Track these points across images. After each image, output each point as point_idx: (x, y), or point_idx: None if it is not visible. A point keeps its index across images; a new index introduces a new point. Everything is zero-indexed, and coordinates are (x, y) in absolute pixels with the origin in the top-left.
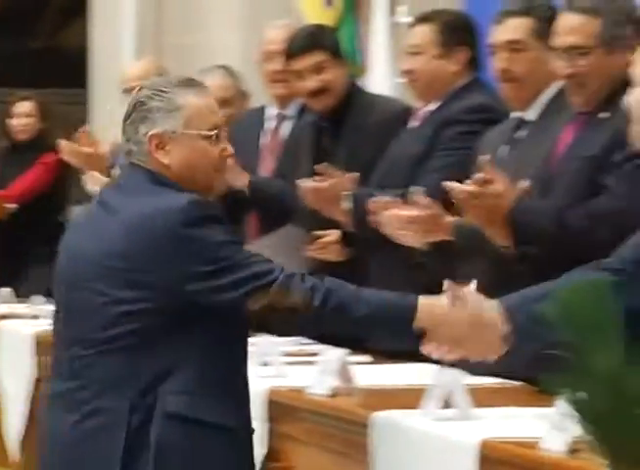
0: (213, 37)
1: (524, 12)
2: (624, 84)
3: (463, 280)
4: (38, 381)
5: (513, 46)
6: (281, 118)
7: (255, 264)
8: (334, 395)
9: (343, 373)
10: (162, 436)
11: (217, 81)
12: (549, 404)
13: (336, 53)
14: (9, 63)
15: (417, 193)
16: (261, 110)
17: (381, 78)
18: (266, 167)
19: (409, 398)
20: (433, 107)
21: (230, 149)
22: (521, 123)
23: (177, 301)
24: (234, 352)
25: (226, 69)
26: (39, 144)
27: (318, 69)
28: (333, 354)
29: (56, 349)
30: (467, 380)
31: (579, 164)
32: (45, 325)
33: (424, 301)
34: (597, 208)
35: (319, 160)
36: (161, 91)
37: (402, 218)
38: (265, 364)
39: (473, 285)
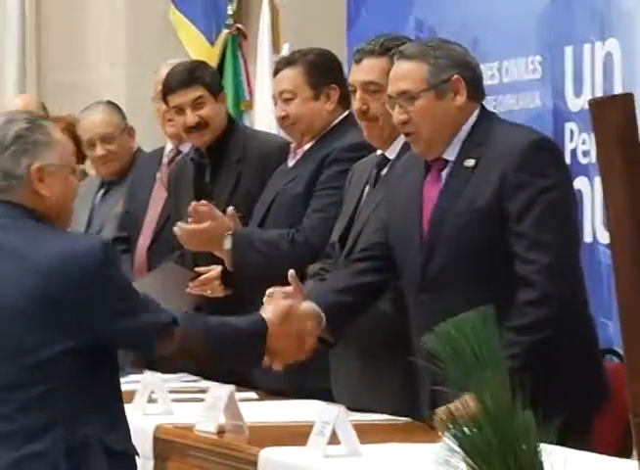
0: (96, 74)
1: (380, 52)
2: (459, 127)
3: None
4: None
5: (369, 87)
6: (175, 154)
7: (157, 307)
8: (221, 432)
9: (231, 410)
10: None
11: (100, 117)
12: (435, 441)
13: (214, 88)
14: None
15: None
16: (163, 148)
17: (266, 114)
18: (155, 204)
19: (296, 434)
20: (308, 145)
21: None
22: (385, 161)
23: (96, 340)
24: (117, 380)
25: (109, 104)
26: None
27: (196, 104)
28: (220, 391)
29: None
30: (351, 416)
31: (461, 221)
32: None
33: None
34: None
35: (200, 197)
36: (39, 125)
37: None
38: (152, 401)
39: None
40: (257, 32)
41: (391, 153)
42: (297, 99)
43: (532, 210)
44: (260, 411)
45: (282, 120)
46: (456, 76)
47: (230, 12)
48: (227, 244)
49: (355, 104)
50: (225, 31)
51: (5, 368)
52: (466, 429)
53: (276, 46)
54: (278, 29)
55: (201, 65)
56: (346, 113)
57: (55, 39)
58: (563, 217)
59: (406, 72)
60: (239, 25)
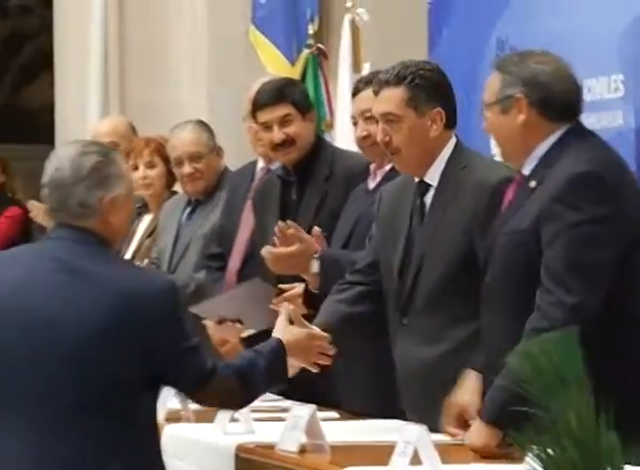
0: (178, 94)
1: (395, 82)
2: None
3: None
4: None
5: (388, 117)
6: (266, 172)
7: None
8: (303, 451)
9: (313, 429)
10: None
11: (189, 136)
12: (517, 461)
13: (302, 106)
14: None
15: None
16: (254, 163)
17: (347, 133)
18: (246, 224)
19: (378, 454)
20: (389, 166)
21: None
22: (425, 187)
23: (152, 371)
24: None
25: (199, 123)
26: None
27: (283, 121)
28: (302, 410)
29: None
30: (433, 436)
31: (506, 240)
32: None
33: (286, 338)
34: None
35: (285, 214)
36: (111, 158)
37: None
38: (234, 420)
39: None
40: (338, 52)
41: (432, 178)
42: None
43: (557, 242)
44: (342, 431)
45: (363, 140)
46: (519, 95)
47: (311, 31)
48: (315, 267)
49: (378, 136)
50: (306, 51)
51: (62, 389)
52: (550, 450)
53: (357, 65)
54: (359, 49)
55: (290, 82)
56: None
57: (137, 60)
58: (588, 254)
59: (488, 83)
60: (320, 45)
